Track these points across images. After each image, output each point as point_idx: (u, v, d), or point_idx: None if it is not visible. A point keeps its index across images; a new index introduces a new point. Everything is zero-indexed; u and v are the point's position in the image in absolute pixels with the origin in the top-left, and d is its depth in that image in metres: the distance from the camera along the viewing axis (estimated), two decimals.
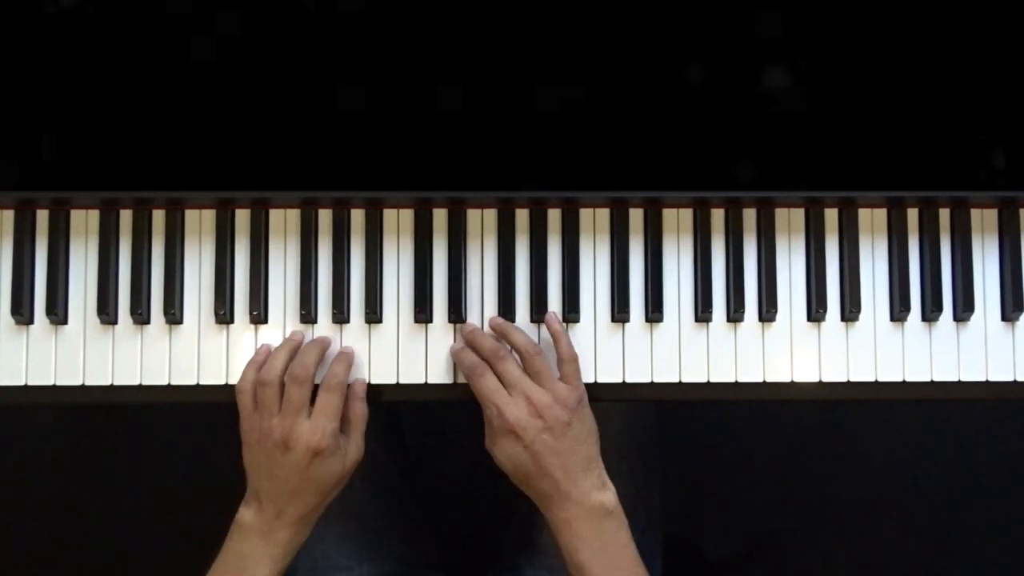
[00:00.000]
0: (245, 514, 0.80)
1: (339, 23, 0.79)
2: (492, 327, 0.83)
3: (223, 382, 0.84)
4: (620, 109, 0.79)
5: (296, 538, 0.80)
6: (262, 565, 0.78)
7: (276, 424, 0.78)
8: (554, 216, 0.85)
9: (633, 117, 0.79)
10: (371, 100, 0.79)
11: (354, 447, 0.81)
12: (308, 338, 0.84)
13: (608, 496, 0.79)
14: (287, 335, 0.84)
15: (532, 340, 0.82)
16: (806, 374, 0.85)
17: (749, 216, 0.86)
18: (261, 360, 0.81)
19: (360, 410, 0.83)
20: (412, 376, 0.85)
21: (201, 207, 0.85)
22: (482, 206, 0.85)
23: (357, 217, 0.85)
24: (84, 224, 0.85)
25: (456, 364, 0.84)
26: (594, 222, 0.86)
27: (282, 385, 0.79)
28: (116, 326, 0.84)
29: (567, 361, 0.81)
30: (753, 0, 0.79)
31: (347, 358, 0.83)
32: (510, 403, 0.78)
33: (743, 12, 0.79)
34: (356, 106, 0.79)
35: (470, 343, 0.83)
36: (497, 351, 0.80)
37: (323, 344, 0.83)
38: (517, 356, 0.81)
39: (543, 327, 0.84)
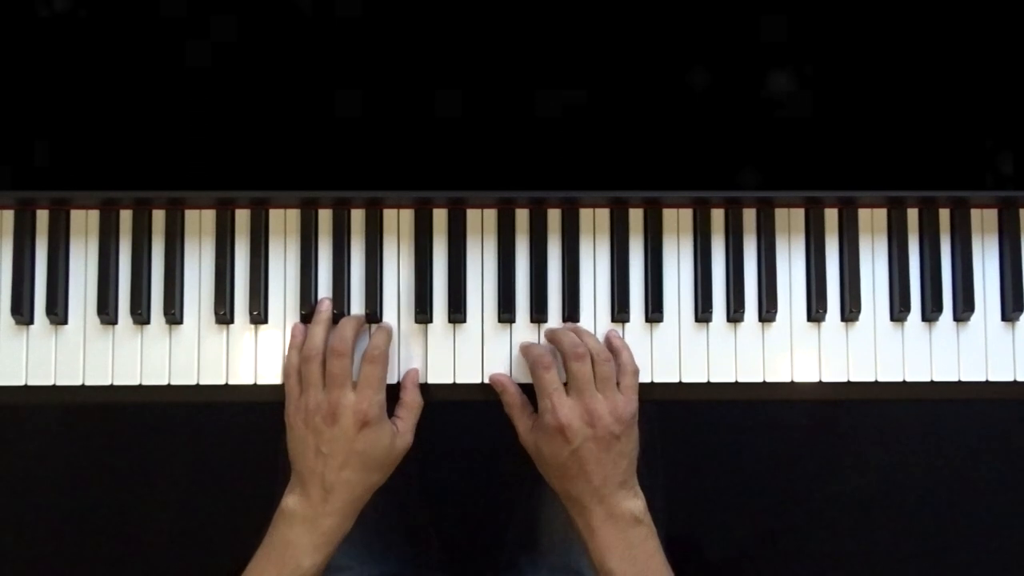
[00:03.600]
0: (289, 501, 0.79)
1: (338, 25, 0.79)
2: (569, 329, 0.83)
3: (223, 382, 0.84)
4: (620, 111, 0.79)
5: (341, 528, 0.79)
6: (307, 554, 0.77)
7: (322, 398, 0.78)
8: (554, 216, 0.85)
9: (633, 118, 0.79)
10: (371, 101, 0.79)
11: (405, 433, 0.81)
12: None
13: (638, 504, 0.79)
14: (315, 309, 0.83)
15: (604, 347, 0.82)
16: (806, 374, 0.85)
17: (749, 216, 0.86)
18: (300, 340, 0.82)
19: (414, 397, 0.83)
20: None
21: (201, 207, 0.85)
22: (482, 206, 0.85)
23: (357, 217, 0.85)
24: (84, 224, 0.85)
25: (524, 357, 0.83)
26: (594, 222, 0.86)
27: (324, 361, 0.80)
28: (116, 326, 0.84)
29: (628, 374, 0.81)
30: (756, 3, 0.79)
31: (387, 331, 0.83)
32: (567, 403, 0.78)
33: (745, 15, 0.79)
34: (356, 107, 0.79)
35: (551, 338, 0.83)
36: (577, 347, 0.80)
37: (359, 319, 0.83)
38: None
39: (542, 329, 0.84)
